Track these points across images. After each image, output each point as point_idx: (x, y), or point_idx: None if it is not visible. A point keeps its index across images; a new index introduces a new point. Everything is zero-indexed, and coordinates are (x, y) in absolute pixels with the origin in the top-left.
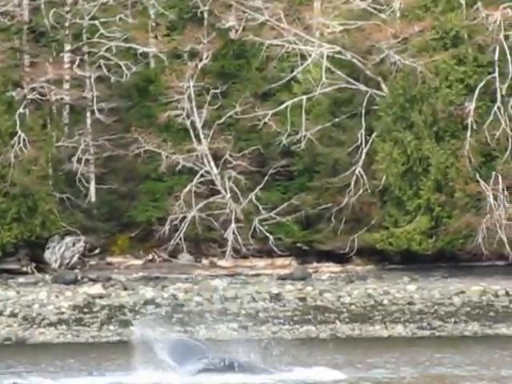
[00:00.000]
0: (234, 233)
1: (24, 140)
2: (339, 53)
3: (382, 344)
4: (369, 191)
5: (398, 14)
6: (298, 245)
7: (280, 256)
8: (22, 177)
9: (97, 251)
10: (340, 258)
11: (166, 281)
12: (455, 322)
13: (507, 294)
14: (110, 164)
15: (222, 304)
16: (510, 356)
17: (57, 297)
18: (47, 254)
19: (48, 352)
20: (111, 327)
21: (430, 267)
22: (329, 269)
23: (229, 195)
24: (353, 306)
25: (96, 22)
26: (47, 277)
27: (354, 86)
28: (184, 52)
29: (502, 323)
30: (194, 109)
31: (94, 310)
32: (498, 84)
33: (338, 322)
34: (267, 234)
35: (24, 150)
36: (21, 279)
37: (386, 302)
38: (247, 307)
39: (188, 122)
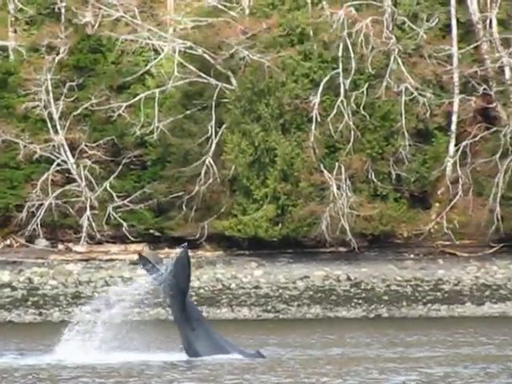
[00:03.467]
0: (88, 219)
1: None
2: (191, 48)
3: (229, 326)
4: (218, 180)
5: (246, 12)
6: (151, 231)
7: (133, 242)
8: None
9: None
10: (191, 244)
11: (23, 265)
12: (298, 305)
13: (348, 278)
14: None
15: (76, 288)
16: (351, 338)
17: None
18: None
19: None
20: None
21: (276, 253)
22: None
23: (84, 183)
24: (201, 290)
25: None
26: None
27: (204, 80)
28: (42, 46)
29: (342, 306)
30: (51, 100)
31: None
32: (341, 79)
33: None
34: (121, 221)
35: None
36: None
37: (233, 286)
38: (100, 291)
39: (45, 113)
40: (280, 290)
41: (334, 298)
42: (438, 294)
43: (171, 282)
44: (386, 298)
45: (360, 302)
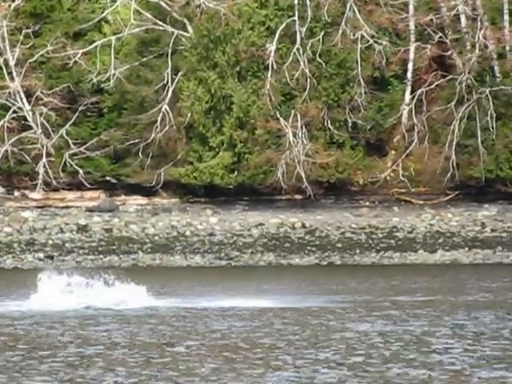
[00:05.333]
0: (45, 166)
1: None
2: None
3: (181, 273)
4: (174, 127)
5: None
6: (107, 178)
7: (89, 189)
8: None
9: None
10: (147, 192)
11: None
12: (252, 253)
13: (303, 226)
14: None
15: (30, 235)
16: (306, 284)
17: None
18: None
19: None
20: None
21: (232, 200)
22: (136, 201)
23: (40, 130)
24: (156, 237)
25: None
26: None
27: (161, 27)
28: None
29: (295, 254)
30: (8, 47)
31: None
32: (297, 27)
33: (140, 252)
34: (77, 168)
35: None
36: None
37: (188, 233)
38: (54, 238)
39: (1, 60)
40: (234, 238)
41: (287, 245)
42: (392, 241)
43: None
44: (339, 245)
45: (313, 249)
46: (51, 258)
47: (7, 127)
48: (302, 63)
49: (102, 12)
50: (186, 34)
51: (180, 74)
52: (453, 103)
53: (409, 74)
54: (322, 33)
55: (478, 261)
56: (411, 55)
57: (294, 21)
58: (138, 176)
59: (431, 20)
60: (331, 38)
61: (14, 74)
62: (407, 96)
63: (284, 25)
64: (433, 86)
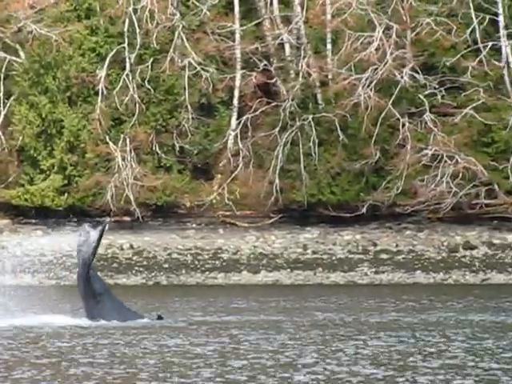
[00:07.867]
0: None
1: None
2: None
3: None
4: (6, 150)
5: None
6: None
7: None
8: None
9: None
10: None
11: None
12: None
13: (131, 247)
14: None
15: None
16: (138, 303)
17: None
18: None
19: None
20: None
21: (62, 221)
22: None
23: None
24: None
25: None
26: None
27: None
28: None
29: (123, 274)
30: None
31: None
32: (127, 53)
33: None
34: None
35: None
36: None
37: (18, 253)
38: None
39: None
40: (64, 258)
41: (115, 265)
42: (217, 262)
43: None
44: (166, 265)
45: (141, 269)
46: None
47: None
48: (131, 89)
49: None
50: (18, 59)
51: (12, 98)
52: (277, 129)
53: (235, 101)
54: (151, 59)
55: (299, 282)
56: (237, 82)
57: (124, 47)
58: None
59: (257, 48)
60: (160, 65)
61: None
62: (233, 122)
63: (114, 51)
64: (258, 113)
